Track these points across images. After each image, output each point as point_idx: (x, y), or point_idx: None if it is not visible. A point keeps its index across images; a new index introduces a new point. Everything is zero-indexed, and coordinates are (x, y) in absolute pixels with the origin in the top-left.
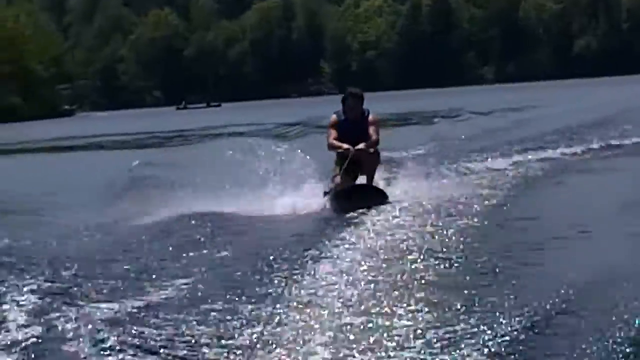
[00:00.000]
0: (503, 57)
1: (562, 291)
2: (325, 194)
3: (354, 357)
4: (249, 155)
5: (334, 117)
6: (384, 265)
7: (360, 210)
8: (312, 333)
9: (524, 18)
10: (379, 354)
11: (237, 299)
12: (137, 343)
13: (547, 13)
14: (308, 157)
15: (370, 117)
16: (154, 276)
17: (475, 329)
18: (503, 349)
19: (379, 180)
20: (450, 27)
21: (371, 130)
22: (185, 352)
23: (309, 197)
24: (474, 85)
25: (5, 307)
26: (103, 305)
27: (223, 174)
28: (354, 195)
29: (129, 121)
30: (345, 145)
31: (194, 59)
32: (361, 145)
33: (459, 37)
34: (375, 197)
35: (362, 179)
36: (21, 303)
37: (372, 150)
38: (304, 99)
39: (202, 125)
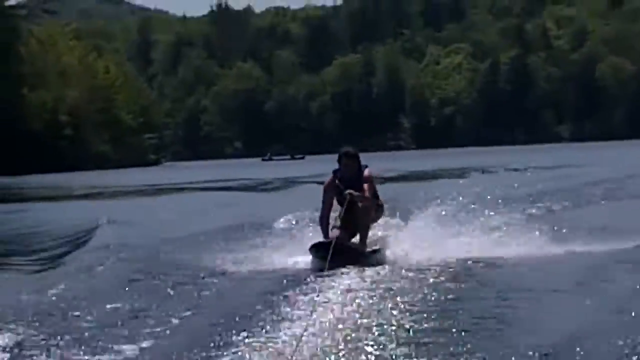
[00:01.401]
0: (579, 116)
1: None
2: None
3: None
4: None
5: (330, 180)
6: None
7: (343, 270)
8: None
9: (601, 78)
10: None
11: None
12: None
13: (624, 73)
14: None
15: (365, 173)
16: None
17: None
18: None
19: (378, 233)
20: (528, 86)
21: (365, 187)
22: None
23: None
24: (551, 143)
25: None
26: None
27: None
28: (327, 251)
29: (219, 171)
30: (329, 237)
31: (275, 111)
32: (350, 190)
33: (536, 96)
34: (351, 257)
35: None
36: None
37: (366, 204)
38: (383, 153)
39: (290, 175)
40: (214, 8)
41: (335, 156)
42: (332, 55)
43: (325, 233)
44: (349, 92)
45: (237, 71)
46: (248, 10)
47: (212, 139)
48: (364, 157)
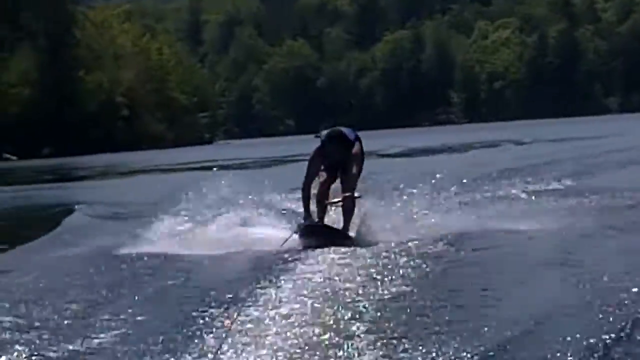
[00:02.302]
0: (627, 88)
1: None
2: (296, 232)
3: None
4: None
5: (317, 151)
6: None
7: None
8: None
9: None
10: None
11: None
12: None
13: None
14: None
15: (354, 150)
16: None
17: None
18: None
19: (364, 215)
20: (576, 59)
21: (353, 165)
22: None
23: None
24: (599, 115)
25: None
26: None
27: None
28: (318, 234)
29: (275, 147)
30: (310, 220)
31: (326, 88)
32: (347, 194)
33: (584, 68)
34: (339, 239)
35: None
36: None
37: (356, 194)
38: (435, 127)
39: None
40: None
41: (387, 131)
42: (381, 31)
43: (306, 204)
44: (398, 68)
45: (288, 49)
46: None
47: (264, 117)
48: (413, 132)
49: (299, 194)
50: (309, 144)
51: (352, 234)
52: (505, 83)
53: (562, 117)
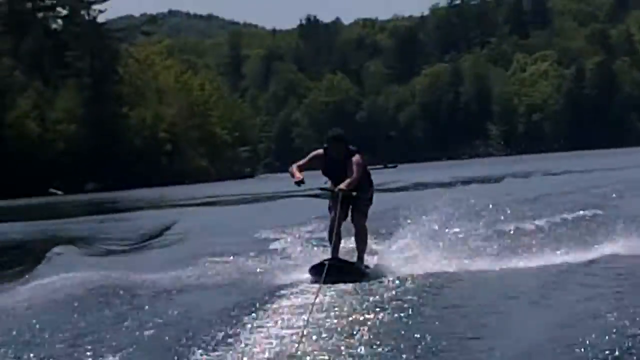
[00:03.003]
0: None
1: None
2: (313, 268)
3: None
4: None
5: (320, 150)
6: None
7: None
8: None
9: None
10: None
11: None
12: None
13: None
14: None
15: (354, 158)
16: None
17: None
18: None
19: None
20: (613, 90)
21: (353, 167)
22: None
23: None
24: (637, 146)
25: None
26: None
27: None
28: (330, 271)
29: (316, 180)
30: (298, 174)
31: (366, 122)
32: (342, 186)
33: (621, 100)
34: (351, 275)
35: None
36: None
37: (353, 192)
38: (474, 159)
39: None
40: (303, 21)
41: (426, 164)
42: (420, 65)
43: (292, 171)
44: (437, 101)
45: (327, 83)
46: (337, 22)
47: (305, 151)
48: (451, 164)
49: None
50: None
51: (368, 263)
52: (544, 115)
53: (599, 149)
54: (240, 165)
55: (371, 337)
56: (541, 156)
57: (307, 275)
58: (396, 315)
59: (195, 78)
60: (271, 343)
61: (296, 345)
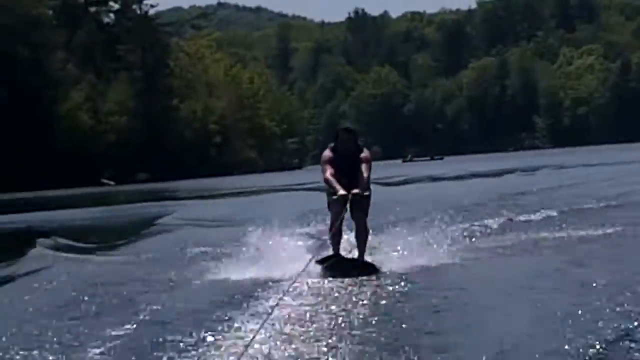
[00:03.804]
0: None
1: None
2: (317, 262)
3: None
4: None
5: (327, 152)
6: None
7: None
8: None
9: None
10: None
11: None
12: None
13: None
14: None
15: (363, 155)
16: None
17: None
18: None
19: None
20: None
21: (363, 167)
22: None
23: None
24: None
25: None
26: None
27: None
28: (341, 267)
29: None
30: (341, 191)
31: (413, 114)
32: (356, 190)
33: None
34: (364, 271)
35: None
36: None
37: (367, 193)
38: (520, 152)
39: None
40: (351, 14)
41: (473, 156)
42: (467, 58)
43: (336, 187)
44: (484, 94)
45: (375, 76)
46: (384, 15)
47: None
48: (502, 157)
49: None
50: (396, 168)
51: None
52: (589, 108)
53: None
54: (289, 157)
55: (349, 333)
56: (586, 149)
57: (291, 273)
58: (382, 310)
59: (244, 71)
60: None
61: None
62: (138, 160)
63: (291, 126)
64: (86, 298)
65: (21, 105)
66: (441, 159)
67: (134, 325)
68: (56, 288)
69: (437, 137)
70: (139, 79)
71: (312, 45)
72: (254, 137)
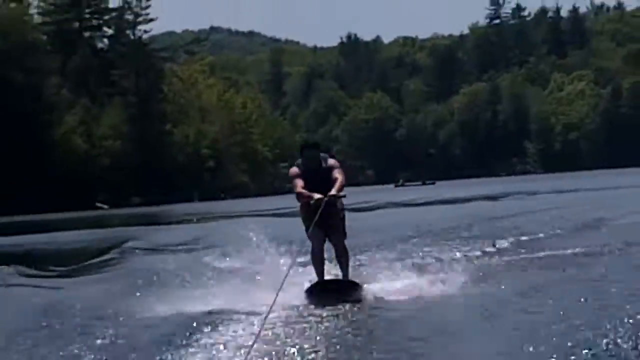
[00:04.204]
0: None
1: None
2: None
3: None
4: None
5: (294, 168)
6: None
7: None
8: None
9: None
10: None
11: None
12: None
13: None
14: None
15: (331, 162)
16: None
17: None
18: None
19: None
20: None
21: (335, 173)
22: None
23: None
24: None
25: None
26: None
27: None
28: (326, 290)
29: (356, 197)
30: (317, 195)
31: (405, 139)
32: (333, 191)
33: None
34: (349, 291)
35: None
36: None
37: (343, 194)
38: (512, 177)
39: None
40: (344, 39)
41: (464, 181)
42: (458, 83)
43: (311, 195)
44: (475, 119)
45: (367, 101)
46: (377, 40)
47: (344, 167)
48: (494, 182)
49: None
50: (387, 192)
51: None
52: (580, 134)
53: (635, 167)
54: (281, 181)
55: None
56: (575, 174)
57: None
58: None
59: (237, 96)
60: None
61: None
62: (132, 184)
63: (283, 151)
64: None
65: (16, 129)
66: (433, 183)
67: None
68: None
69: (429, 162)
70: (132, 103)
71: (304, 69)
72: (247, 162)
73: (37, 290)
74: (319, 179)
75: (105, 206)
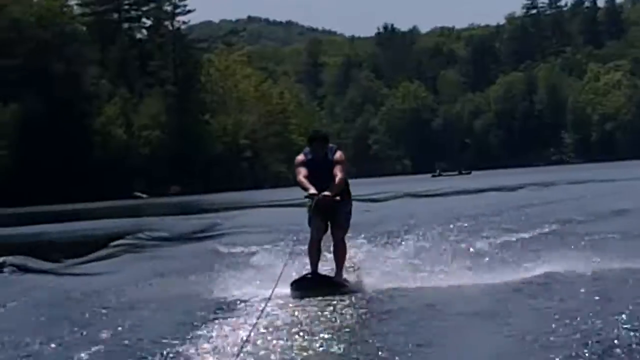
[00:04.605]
0: None
1: None
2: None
3: None
4: None
5: (300, 156)
6: None
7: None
8: None
9: None
10: None
11: None
12: None
13: None
14: None
15: (337, 156)
16: None
17: None
18: None
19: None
20: None
21: (336, 169)
22: None
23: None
24: None
25: None
26: None
27: None
28: (310, 285)
29: (392, 185)
30: (312, 190)
31: (441, 129)
32: (327, 192)
33: None
34: (331, 288)
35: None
36: None
37: (337, 197)
38: (548, 167)
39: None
40: (381, 29)
41: (499, 171)
42: (495, 73)
43: (307, 186)
44: (512, 109)
45: (404, 91)
46: (414, 30)
47: (381, 158)
48: (530, 171)
49: None
50: (424, 182)
51: (347, 277)
52: (616, 124)
53: None
54: None
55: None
56: (612, 164)
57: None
58: (352, 331)
59: (275, 87)
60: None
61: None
62: (170, 174)
63: None
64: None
65: (56, 119)
66: (469, 173)
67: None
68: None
69: (466, 151)
70: (171, 94)
71: (341, 60)
72: (284, 152)
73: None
74: (323, 168)
75: (144, 195)
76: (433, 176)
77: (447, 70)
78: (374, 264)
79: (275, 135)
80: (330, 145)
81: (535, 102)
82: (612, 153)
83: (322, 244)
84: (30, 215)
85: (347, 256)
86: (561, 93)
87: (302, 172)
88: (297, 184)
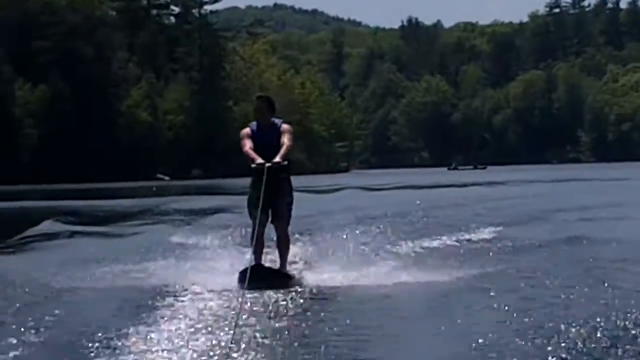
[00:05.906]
0: None
1: None
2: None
3: None
4: None
5: (246, 129)
6: None
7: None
8: None
9: None
10: None
11: None
12: None
13: None
14: None
15: (284, 126)
16: None
17: None
18: None
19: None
20: None
21: (284, 137)
22: None
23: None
24: None
25: None
26: None
27: None
28: (259, 277)
29: (409, 177)
30: (259, 160)
31: (460, 123)
32: (277, 158)
33: None
34: (281, 282)
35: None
36: None
37: (284, 163)
38: (563, 165)
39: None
40: (405, 22)
41: (515, 167)
42: (516, 70)
43: (254, 157)
44: (531, 106)
45: (425, 84)
46: (437, 25)
47: (400, 149)
48: (545, 168)
49: None
50: (440, 175)
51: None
52: (633, 125)
53: None
54: (337, 160)
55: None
56: (628, 164)
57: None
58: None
59: (297, 77)
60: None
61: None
62: (192, 157)
63: (340, 131)
64: None
65: (84, 101)
66: (484, 168)
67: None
68: None
69: (484, 146)
70: (196, 80)
71: (364, 51)
72: (304, 140)
73: None
74: (270, 137)
75: (166, 177)
76: (449, 169)
77: (469, 66)
78: (322, 257)
79: (296, 124)
80: (279, 119)
81: (554, 101)
82: (628, 153)
83: (264, 237)
84: (54, 192)
85: (295, 250)
86: (580, 92)
87: (247, 144)
88: (244, 154)
